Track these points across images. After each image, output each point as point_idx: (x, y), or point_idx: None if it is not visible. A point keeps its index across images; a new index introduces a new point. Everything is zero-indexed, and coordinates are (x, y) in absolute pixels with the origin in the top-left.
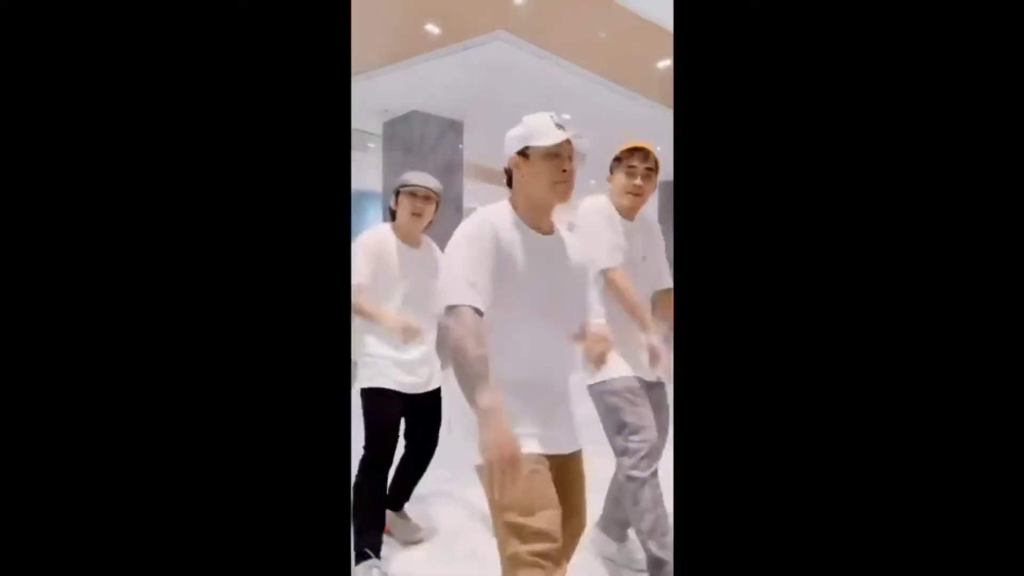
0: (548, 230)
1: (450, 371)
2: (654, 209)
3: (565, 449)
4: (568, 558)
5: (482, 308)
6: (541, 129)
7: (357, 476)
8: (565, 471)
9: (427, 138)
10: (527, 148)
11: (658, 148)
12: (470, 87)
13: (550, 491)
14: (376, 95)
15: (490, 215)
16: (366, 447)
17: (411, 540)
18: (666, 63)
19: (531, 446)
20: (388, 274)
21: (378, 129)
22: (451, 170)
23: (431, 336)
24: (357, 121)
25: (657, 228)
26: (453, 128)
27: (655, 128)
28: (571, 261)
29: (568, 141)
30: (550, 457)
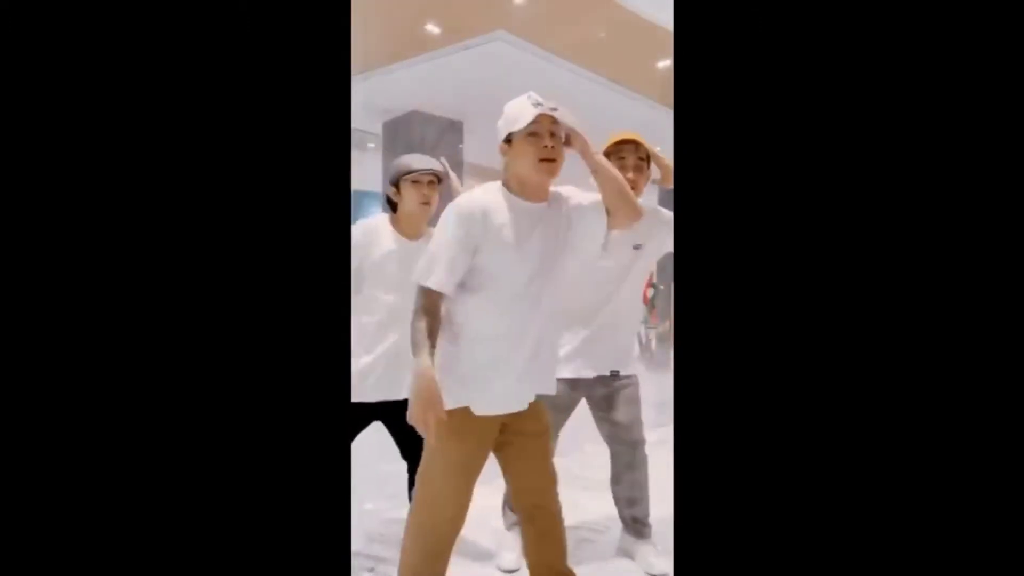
0: (540, 199)
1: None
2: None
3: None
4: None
5: (448, 291)
6: (516, 113)
7: None
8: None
9: (427, 138)
10: (510, 135)
11: (658, 148)
12: (470, 87)
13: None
14: (376, 95)
15: (472, 196)
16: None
17: None
18: (666, 63)
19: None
20: (378, 273)
21: (378, 129)
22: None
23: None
24: (357, 121)
25: (664, 219)
26: (453, 128)
27: (655, 128)
28: (558, 228)
29: (548, 118)
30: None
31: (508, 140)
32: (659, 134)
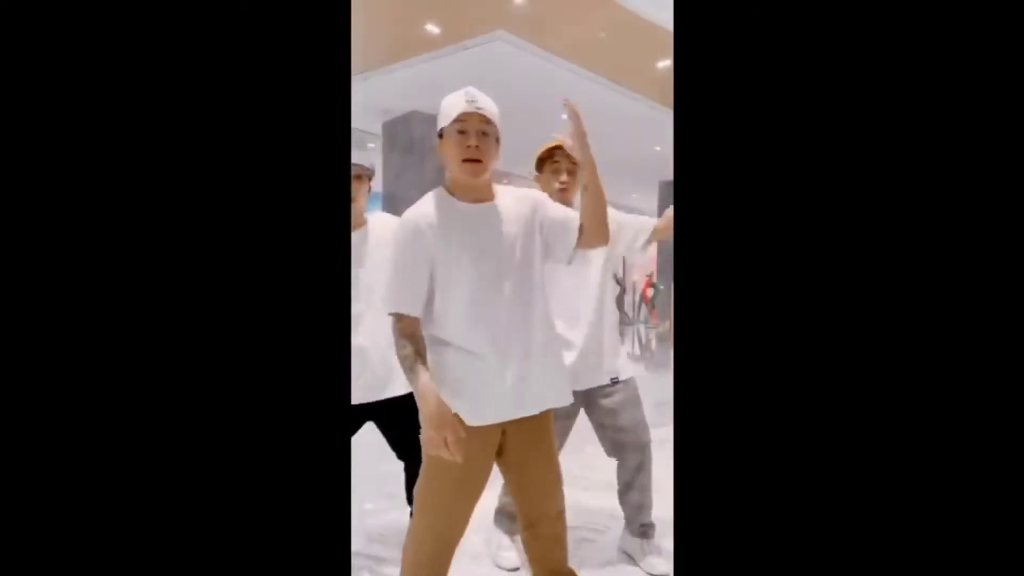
0: (483, 199)
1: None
2: (653, 210)
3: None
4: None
5: (413, 311)
6: (448, 108)
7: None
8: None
9: (427, 138)
10: (442, 130)
11: (657, 148)
12: (470, 87)
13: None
14: (376, 95)
15: (415, 209)
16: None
17: None
18: (666, 63)
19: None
20: None
21: (378, 129)
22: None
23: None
24: (357, 121)
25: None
26: None
27: (655, 128)
28: (514, 227)
29: (478, 117)
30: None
31: (441, 135)
32: (659, 134)
